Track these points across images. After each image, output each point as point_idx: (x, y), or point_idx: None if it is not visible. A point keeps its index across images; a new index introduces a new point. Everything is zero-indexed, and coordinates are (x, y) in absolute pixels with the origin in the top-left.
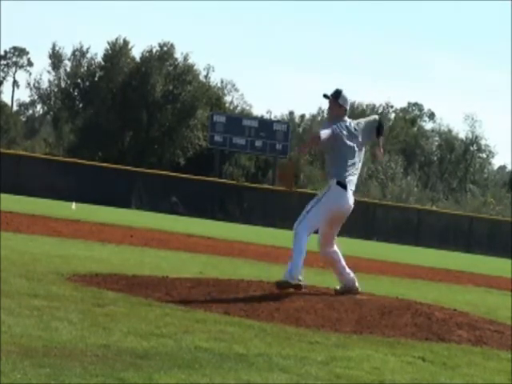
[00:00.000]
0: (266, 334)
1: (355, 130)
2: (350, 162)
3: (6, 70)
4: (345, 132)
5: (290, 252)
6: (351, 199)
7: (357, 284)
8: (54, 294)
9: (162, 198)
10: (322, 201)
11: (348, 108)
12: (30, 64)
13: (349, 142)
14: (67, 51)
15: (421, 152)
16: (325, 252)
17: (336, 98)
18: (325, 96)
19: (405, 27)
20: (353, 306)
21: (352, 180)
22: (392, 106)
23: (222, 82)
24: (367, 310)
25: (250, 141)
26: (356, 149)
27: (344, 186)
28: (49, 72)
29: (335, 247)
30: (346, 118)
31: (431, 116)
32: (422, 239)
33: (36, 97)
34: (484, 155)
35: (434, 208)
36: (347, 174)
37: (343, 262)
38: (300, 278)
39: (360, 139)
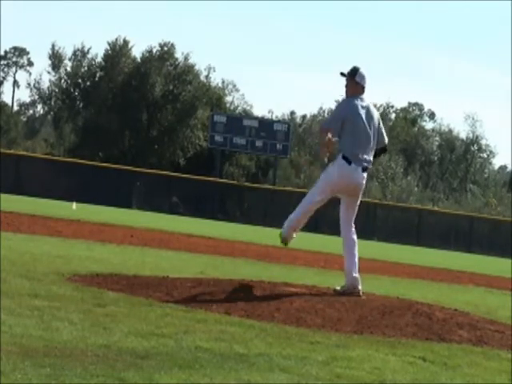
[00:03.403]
0: (266, 334)
1: (371, 114)
2: (360, 139)
3: (6, 70)
4: (360, 110)
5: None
6: (356, 175)
7: (359, 287)
8: (55, 294)
9: (162, 198)
10: (326, 171)
11: (365, 86)
12: (31, 64)
13: (362, 121)
14: (67, 51)
15: (421, 152)
16: (344, 235)
17: (353, 75)
18: (342, 74)
19: (405, 27)
20: (353, 306)
21: (362, 158)
22: (392, 106)
23: (223, 82)
24: (368, 309)
25: (250, 141)
26: (369, 130)
27: (348, 161)
28: (49, 72)
29: (354, 237)
30: (364, 96)
31: (432, 116)
32: (423, 239)
33: (36, 97)
34: (485, 155)
35: (435, 208)
36: (355, 149)
37: (356, 259)
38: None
39: (375, 126)
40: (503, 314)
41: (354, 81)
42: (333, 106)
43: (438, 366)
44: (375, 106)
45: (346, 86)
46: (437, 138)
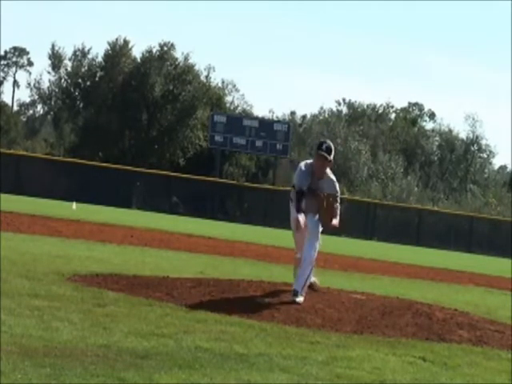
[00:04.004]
0: (266, 334)
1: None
2: None
3: (6, 69)
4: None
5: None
6: None
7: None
8: (55, 294)
9: (162, 198)
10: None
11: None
12: (30, 64)
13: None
14: (67, 51)
15: (421, 152)
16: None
17: (329, 154)
18: (320, 150)
19: (405, 27)
20: (353, 306)
21: None
22: (392, 106)
23: (222, 82)
24: (368, 310)
25: (250, 141)
26: None
27: None
28: (49, 72)
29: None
30: (329, 170)
31: (432, 116)
32: (423, 239)
33: (36, 97)
34: (484, 155)
35: (435, 208)
36: None
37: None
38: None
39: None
40: (503, 314)
41: (328, 159)
42: (333, 106)
43: (438, 366)
44: (375, 106)
45: (319, 163)
46: (437, 138)
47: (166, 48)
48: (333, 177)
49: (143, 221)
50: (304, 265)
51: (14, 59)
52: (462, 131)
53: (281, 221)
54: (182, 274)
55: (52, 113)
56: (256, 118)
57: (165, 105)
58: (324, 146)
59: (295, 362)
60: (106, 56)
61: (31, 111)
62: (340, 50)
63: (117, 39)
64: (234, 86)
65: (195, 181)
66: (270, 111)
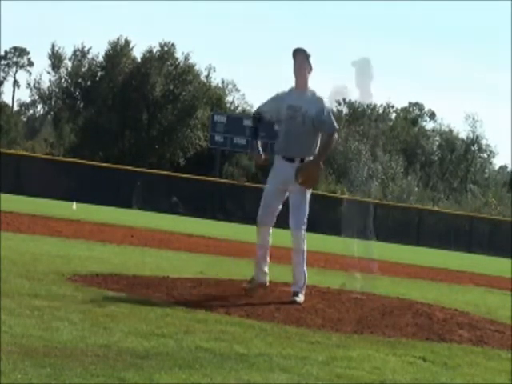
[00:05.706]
0: (266, 334)
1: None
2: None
3: (6, 70)
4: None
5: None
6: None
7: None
8: (55, 294)
9: (162, 198)
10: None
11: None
12: (31, 64)
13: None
14: (68, 51)
15: (421, 152)
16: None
17: (308, 56)
18: (298, 52)
19: (405, 27)
20: (353, 306)
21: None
22: (393, 106)
23: (223, 82)
24: (368, 309)
25: (250, 141)
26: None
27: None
28: (49, 72)
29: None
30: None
31: (432, 116)
32: (423, 239)
33: (36, 97)
34: (485, 155)
35: (435, 208)
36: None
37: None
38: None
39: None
40: (503, 314)
41: (308, 56)
42: (333, 106)
43: (438, 366)
44: (375, 106)
45: (298, 61)
46: (437, 138)
47: (166, 48)
48: (316, 92)
49: (143, 221)
50: (296, 259)
51: (14, 59)
52: (462, 131)
53: (281, 220)
54: (182, 273)
55: (52, 113)
56: None
57: (165, 105)
58: (300, 47)
59: (295, 361)
60: (107, 56)
61: (31, 111)
62: (340, 50)
63: (118, 39)
64: (234, 85)
65: (195, 181)
66: None
